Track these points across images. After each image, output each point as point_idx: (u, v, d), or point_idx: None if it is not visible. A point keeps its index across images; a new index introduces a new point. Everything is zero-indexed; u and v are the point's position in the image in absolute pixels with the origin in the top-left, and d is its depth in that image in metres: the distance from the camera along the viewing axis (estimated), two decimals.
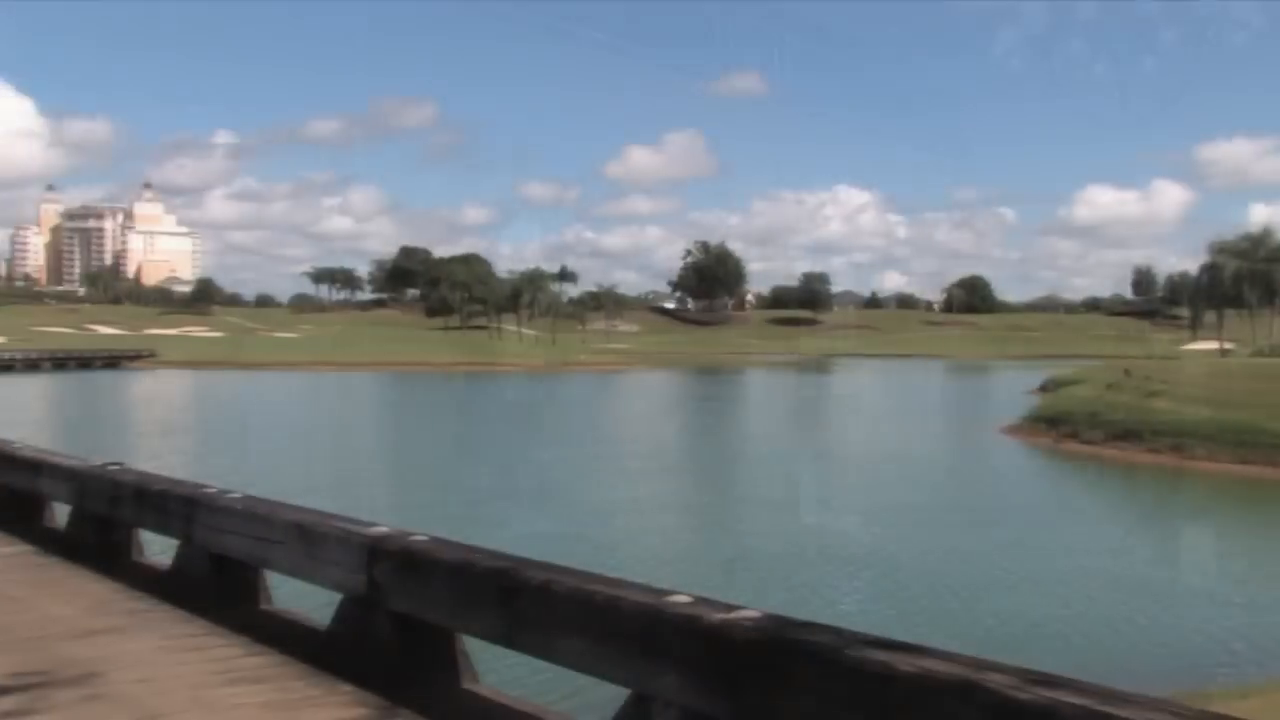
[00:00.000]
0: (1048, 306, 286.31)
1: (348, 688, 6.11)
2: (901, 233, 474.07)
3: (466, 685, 6.14)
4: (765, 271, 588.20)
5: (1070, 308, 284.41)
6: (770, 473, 33.93)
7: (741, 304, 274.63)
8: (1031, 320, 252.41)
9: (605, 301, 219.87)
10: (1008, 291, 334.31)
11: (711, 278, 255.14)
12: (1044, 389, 68.19)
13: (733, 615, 4.42)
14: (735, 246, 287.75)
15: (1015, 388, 79.20)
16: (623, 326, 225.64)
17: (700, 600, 4.67)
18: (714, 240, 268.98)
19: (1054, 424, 45.46)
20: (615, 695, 5.09)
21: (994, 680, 3.48)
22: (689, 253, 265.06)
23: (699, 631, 4.41)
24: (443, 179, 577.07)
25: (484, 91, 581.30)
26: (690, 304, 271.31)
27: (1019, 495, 30.96)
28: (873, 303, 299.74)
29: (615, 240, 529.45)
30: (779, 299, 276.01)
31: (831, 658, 3.94)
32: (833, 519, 25.00)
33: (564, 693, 9.29)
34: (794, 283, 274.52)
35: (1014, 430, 46.86)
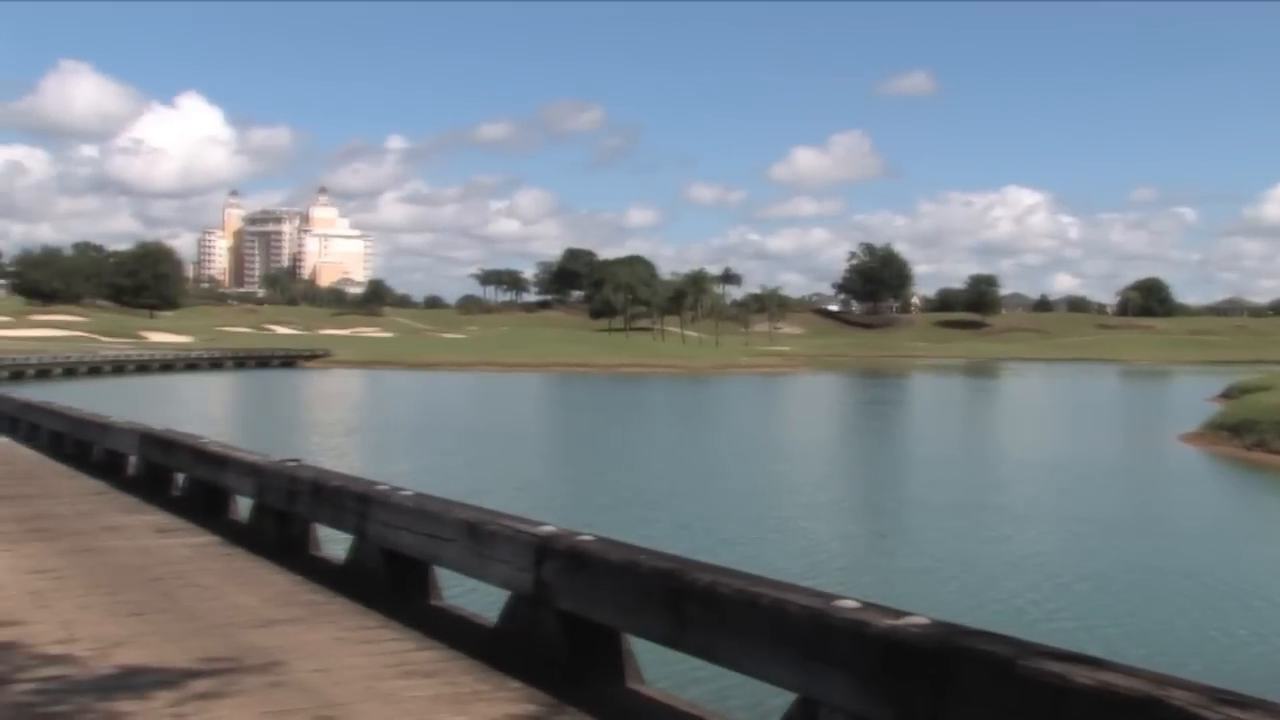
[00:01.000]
0: (1230, 310, 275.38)
1: (516, 684, 6.21)
2: (1074, 234, 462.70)
3: (632, 685, 6.20)
4: (931, 274, 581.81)
5: (1255, 311, 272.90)
6: (946, 479, 33.18)
7: (907, 307, 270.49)
8: (1213, 324, 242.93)
9: (768, 304, 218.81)
10: (1186, 294, 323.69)
11: (876, 280, 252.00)
12: (1227, 395, 65.54)
13: (901, 621, 4.37)
14: (901, 248, 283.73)
15: (1194, 394, 76.25)
16: (786, 329, 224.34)
17: (868, 605, 4.63)
18: (879, 242, 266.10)
19: (1239, 432, 43.59)
20: (780, 698, 5.08)
21: (1178, 698, 3.36)
22: (853, 255, 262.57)
23: (867, 637, 4.38)
24: (608, 182, 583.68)
25: (650, 95, 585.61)
26: (854, 306, 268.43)
27: (1208, 507, 29.72)
28: (1042, 305, 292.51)
29: (779, 242, 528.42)
30: (946, 302, 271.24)
31: (1004, 667, 3.86)
32: (1017, 528, 24.32)
33: (728, 695, 9.28)
34: (961, 285, 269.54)
35: (1194, 438, 45.13)
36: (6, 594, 8.38)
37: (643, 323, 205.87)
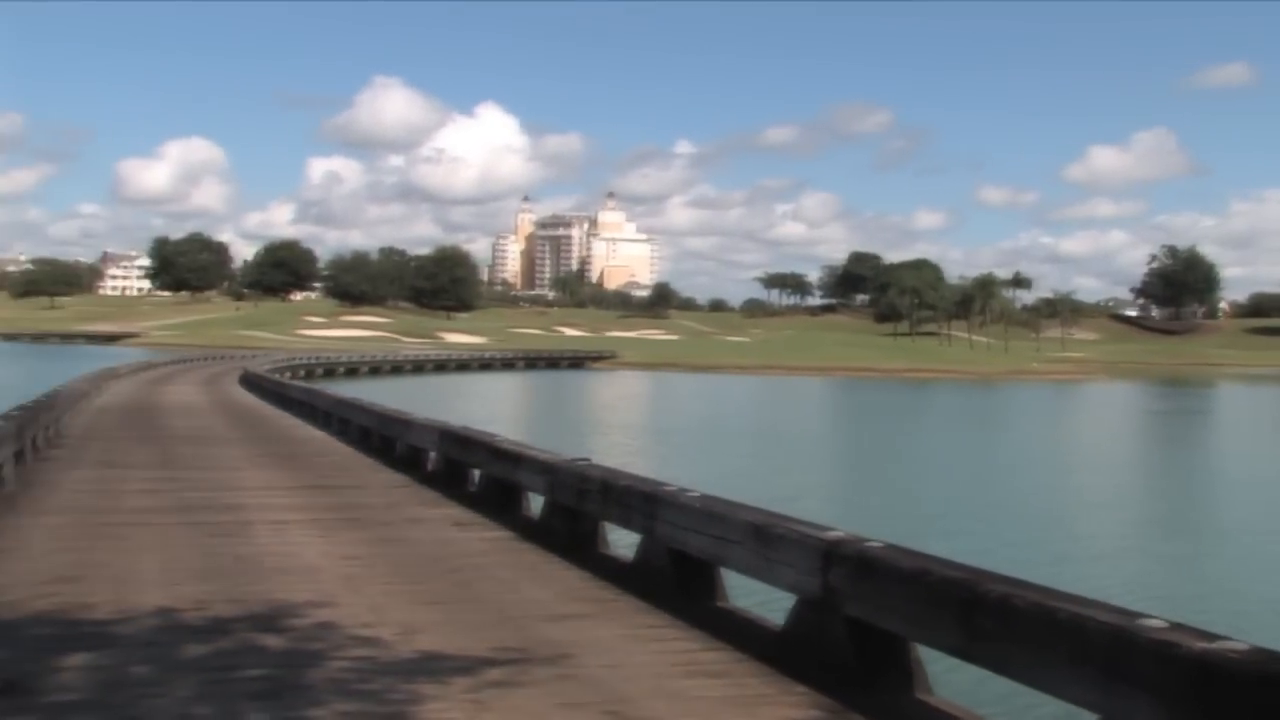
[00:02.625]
0: None
1: (802, 689, 6.18)
2: None
3: (919, 695, 6.07)
4: (1243, 277, 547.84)
5: None
6: (1261, 499, 31.06)
7: (1213, 312, 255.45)
8: None
9: (1061, 308, 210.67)
10: None
11: (1179, 284, 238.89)
12: None
13: (1216, 645, 4.11)
14: (1208, 250, 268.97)
15: None
16: (1079, 334, 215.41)
17: (1177, 626, 4.38)
18: (1183, 244, 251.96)
19: None
20: (1078, 718, 4.87)
21: None
22: (1154, 257, 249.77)
23: (1177, 659, 4.14)
24: (895, 185, 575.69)
25: (939, 96, 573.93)
26: (1154, 312, 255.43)
27: None
28: None
29: (1074, 245, 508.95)
30: (1259, 307, 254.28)
31: None
32: None
33: (1022, 712, 8.96)
34: (1277, 289, 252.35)
35: None
36: (323, 577, 8.93)
37: (929, 327, 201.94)
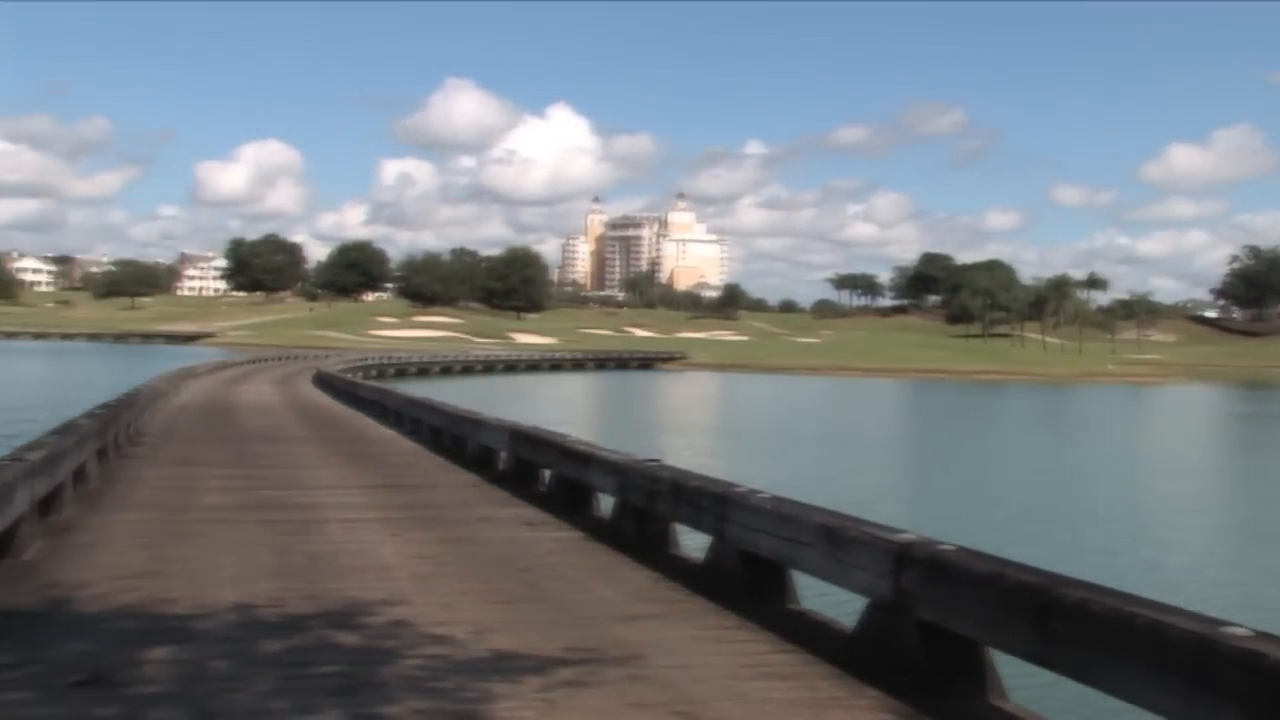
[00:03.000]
0: None
1: (873, 692, 6.15)
2: None
3: (994, 700, 6.01)
4: None
5: None
6: None
7: None
8: None
9: (1137, 309, 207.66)
10: None
11: (1262, 284, 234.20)
12: None
13: None
14: None
15: None
16: (1156, 336, 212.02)
17: (1263, 635, 4.29)
18: (1266, 244, 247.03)
19: None
20: None
21: None
22: (1235, 258, 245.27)
23: (1264, 669, 4.06)
24: (967, 185, 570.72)
25: (1013, 95, 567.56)
26: (1235, 313, 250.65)
27: None
28: None
29: (1151, 245, 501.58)
30: None
31: None
32: None
33: (1098, 717, 8.83)
34: None
35: None
36: (396, 575, 9.02)
37: (1001, 329, 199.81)
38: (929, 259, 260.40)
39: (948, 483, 32.83)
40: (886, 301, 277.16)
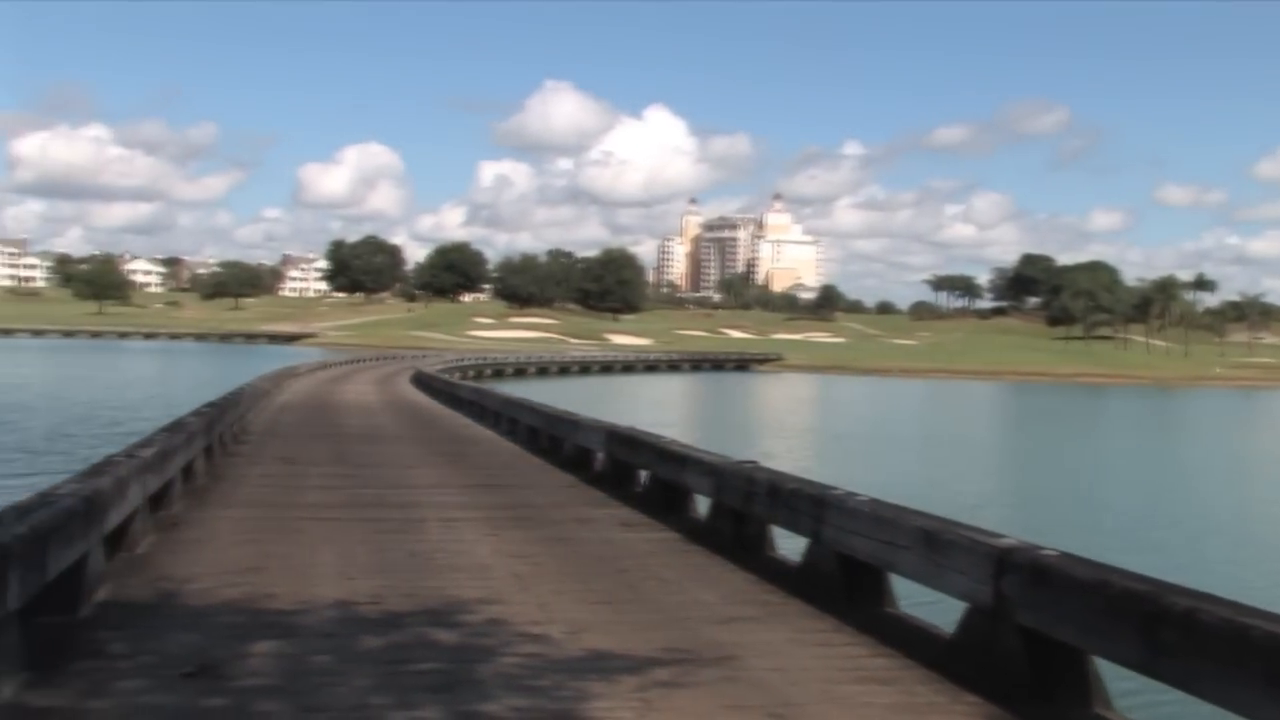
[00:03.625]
0: None
1: (973, 698, 6.07)
2: None
3: (1098, 710, 5.89)
4: None
5: None
6: None
7: None
8: None
9: (1248, 311, 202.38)
10: None
11: None
12: None
13: None
14: None
15: None
16: (1269, 339, 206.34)
17: None
18: None
19: None
20: None
21: None
22: None
23: None
24: (1070, 185, 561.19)
25: (1118, 92, 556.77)
26: None
27: None
28: None
29: (1263, 245, 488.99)
30: None
31: None
32: None
33: None
34: None
35: None
36: (494, 575, 9.10)
37: (1104, 331, 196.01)
38: (1029, 260, 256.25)
39: (1052, 488, 32.29)
40: (985, 303, 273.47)
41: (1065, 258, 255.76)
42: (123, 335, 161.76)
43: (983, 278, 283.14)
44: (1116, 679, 6.06)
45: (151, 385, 61.03)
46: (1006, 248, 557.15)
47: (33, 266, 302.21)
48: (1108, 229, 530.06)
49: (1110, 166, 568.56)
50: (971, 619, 6.63)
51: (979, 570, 6.46)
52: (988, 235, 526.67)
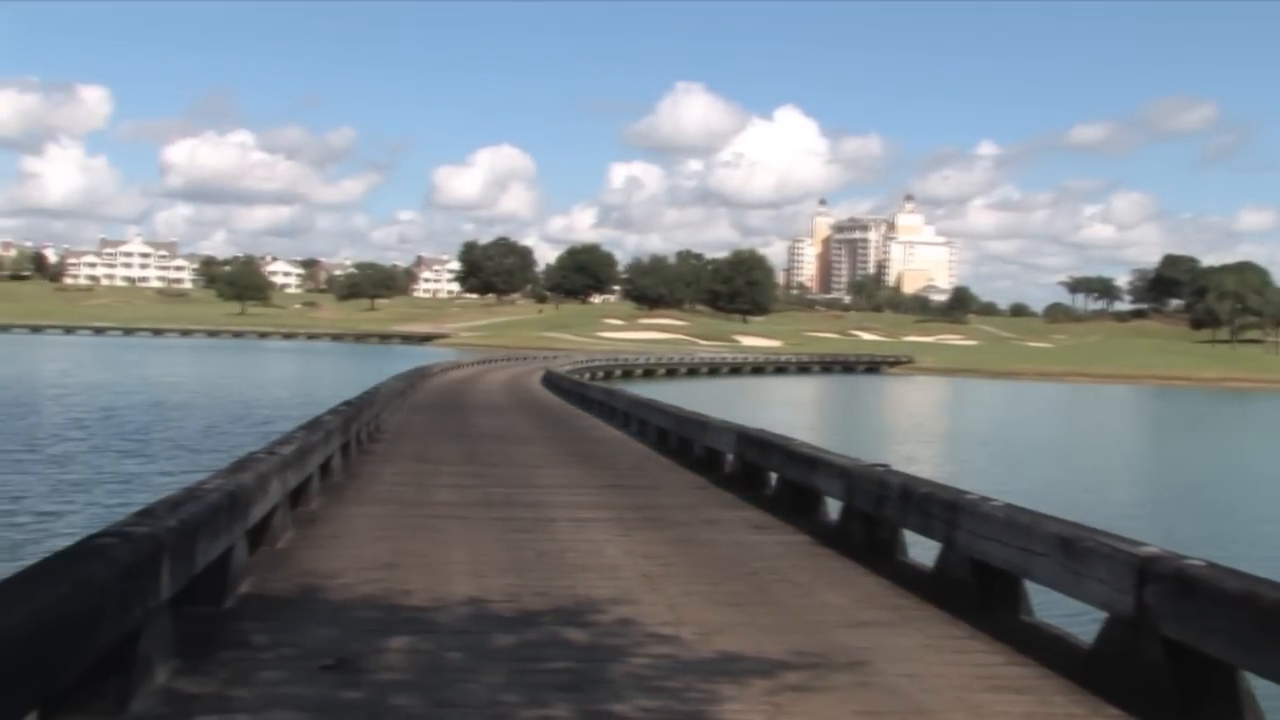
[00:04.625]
0: None
1: (1114, 711, 5.93)
2: None
3: None
4: None
5: None
6: None
7: None
8: None
9: None
10: None
11: None
12: None
13: None
14: None
15: None
16: None
17: None
18: None
19: None
20: None
21: None
22: None
23: None
24: (1217, 183, 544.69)
25: (1270, 89, 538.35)
26: None
27: None
28: None
29: None
30: None
31: None
32: None
33: None
34: None
35: None
36: (624, 575, 9.14)
37: (1252, 334, 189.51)
38: (1171, 261, 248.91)
39: (1200, 496, 31.29)
40: (1124, 305, 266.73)
41: (1211, 259, 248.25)
42: (262, 335, 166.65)
43: (1122, 279, 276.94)
44: (1269, 697, 5.87)
45: (298, 384, 62.60)
46: (1147, 248, 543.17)
47: (180, 269, 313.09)
48: (1257, 229, 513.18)
49: (1262, 164, 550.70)
50: (1112, 629, 6.46)
51: (1119, 579, 6.29)
52: (1128, 236, 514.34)
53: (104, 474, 25.36)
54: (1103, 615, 6.58)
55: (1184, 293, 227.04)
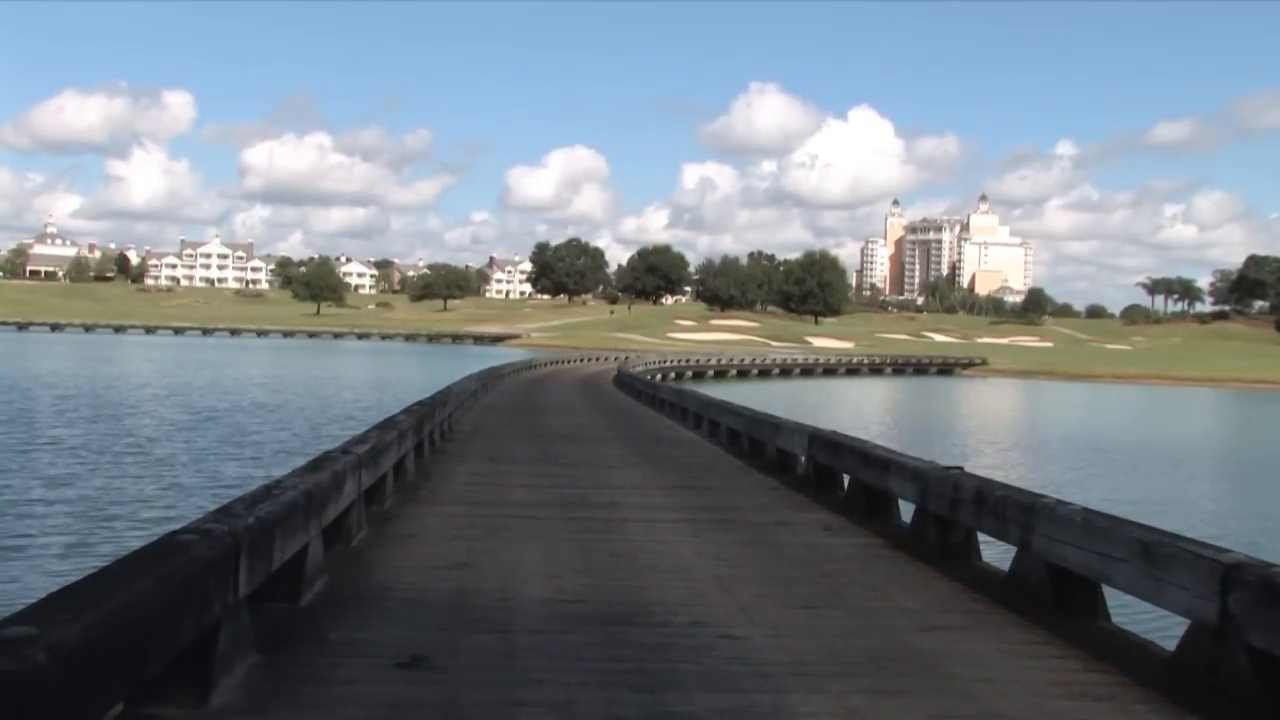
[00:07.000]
0: None
1: None
2: None
3: None
4: None
5: None
6: None
7: None
8: None
9: None
10: None
11: None
12: None
13: None
14: None
15: None
16: None
17: None
18: None
19: None
20: None
21: None
22: None
23: None
24: None
25: None
26: None
27: None
28: None
29: None
30: None
31: None
32: None
33: None
34: None
35: None
36: (695, 576, 9.12)
37: None
38: (1256, 261, 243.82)
39: None
40: (1205, 307, 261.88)
41: None
42: (337, 335, 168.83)
43: (1203, 280, 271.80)
44: None
45: (397, 387, 62.59)
46: (1231, 249, 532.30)
47: (258, 270, 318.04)
48: None
49: None
50: (1194, 637, 6.34)
51: (1202, 586, 6.17)
52: (1210, 236, 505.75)
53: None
54: (1185, 623, 6.47)
55: (1269, 294, 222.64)
